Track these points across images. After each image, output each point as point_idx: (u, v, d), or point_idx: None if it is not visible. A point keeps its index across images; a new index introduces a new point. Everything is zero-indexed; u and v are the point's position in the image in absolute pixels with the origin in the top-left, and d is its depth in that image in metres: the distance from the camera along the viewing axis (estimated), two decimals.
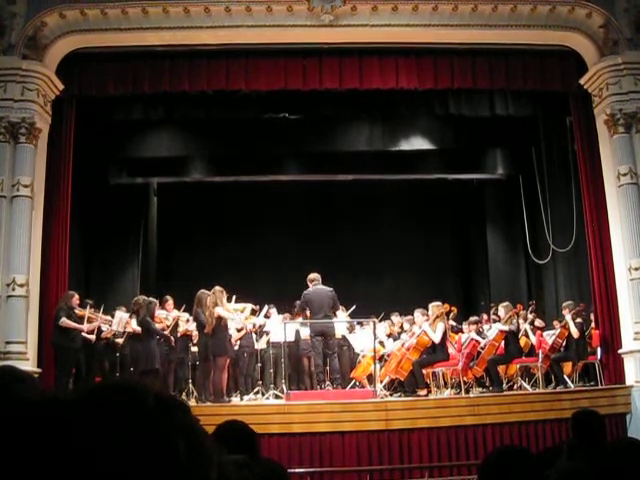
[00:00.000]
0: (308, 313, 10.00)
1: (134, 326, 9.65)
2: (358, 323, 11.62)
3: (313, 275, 10.11)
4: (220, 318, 9.36)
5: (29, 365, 8.84)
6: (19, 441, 0.65)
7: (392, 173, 14.46)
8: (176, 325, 10.58)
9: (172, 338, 10.19)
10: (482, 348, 10.50)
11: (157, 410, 0.69)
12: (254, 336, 11.20)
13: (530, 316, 11.34)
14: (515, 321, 10.15)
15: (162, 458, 0.66)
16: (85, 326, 9.66)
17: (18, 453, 0.64)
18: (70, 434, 0.65)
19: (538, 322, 11.67)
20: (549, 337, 10.81)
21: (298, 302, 10.24)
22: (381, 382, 10.54)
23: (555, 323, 11.29)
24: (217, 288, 9.52)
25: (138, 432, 0.66)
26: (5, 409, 0.70)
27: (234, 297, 10.23)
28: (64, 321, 9.29)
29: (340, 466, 8.24)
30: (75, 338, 9.40)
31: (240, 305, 10.41)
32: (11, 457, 0.64)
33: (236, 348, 10.73)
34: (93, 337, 10.01)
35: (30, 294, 9.38)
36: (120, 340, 10.44)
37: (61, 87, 10.10)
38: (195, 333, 10.50)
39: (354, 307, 11.42)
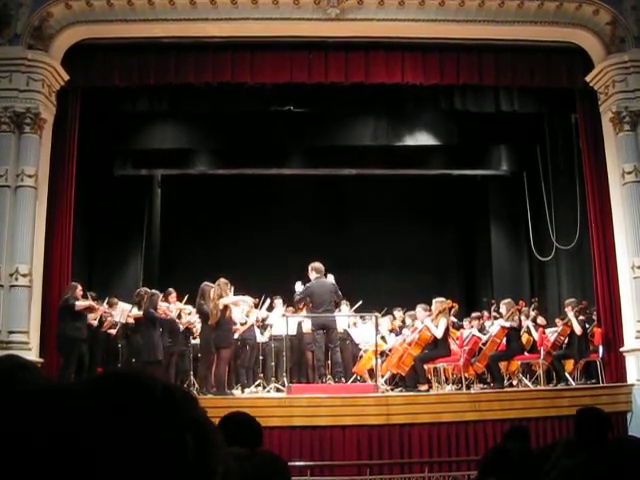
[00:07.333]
0: (310, 305, 9.98)
1: (135, 312, 9.63)
2: (360, 317, 11.62)
3: (317, 265, 9.95)
4: (225, 310, 9.36)
5: (31, 355, 8.85)
6: (22, 430, 0.65)
7: (396, 168, 14.45)
8: (179, 317, 10.59)
9: (177, 321, 10.22)
10: (484, 344, 10.49)
11: (165, 401, 0.68)
12: (256, 329, 11.22)
13: (532, 313, 11.33)
14: (517, 318, 10.14)
15: (170, 451, 0.65)
16: (98, 308, 9.81)
17: (21, 442, 0.64)
18: (76, 424, 0.64)
19: (540, 319, 11.65)
20: (551, 334, 10.81)
21: (297, 292, 10.06)
22: (382, 377, 10.55)
23: (557, 320, 11.28)
24: (222, 280, 9.51)
25: (146, 424, 0.65)
26: (8, 397, 0.69)
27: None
28: (79, 305, 9.29)
29: (340, 460, 8.25)
30: (81, 329, 9.39)
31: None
32: (14, 446, 0.64)
33: (236, 336, 10.70)
34: (96, 323, 10.06)
35: (33, 284, 9.38)
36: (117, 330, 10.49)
37: (66, 78, 10.09)
38: (197, 326, 10.51)
39: (359, 303, 11.38)
